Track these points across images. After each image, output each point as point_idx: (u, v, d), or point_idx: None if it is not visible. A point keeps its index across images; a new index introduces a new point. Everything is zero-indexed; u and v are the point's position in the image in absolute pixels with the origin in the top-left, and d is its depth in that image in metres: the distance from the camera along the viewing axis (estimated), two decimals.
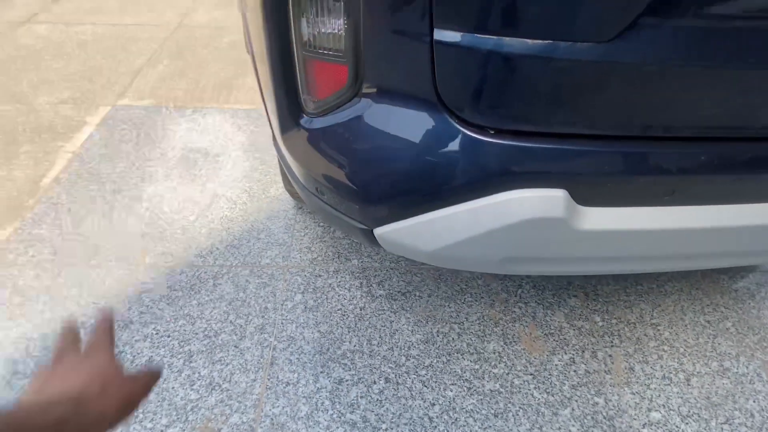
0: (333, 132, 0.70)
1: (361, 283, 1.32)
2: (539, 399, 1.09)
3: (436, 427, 1.03)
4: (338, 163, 0.73)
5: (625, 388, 1.12)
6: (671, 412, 1.08)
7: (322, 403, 1.06)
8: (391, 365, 1.14)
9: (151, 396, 1.06)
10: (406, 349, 1.18)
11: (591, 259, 0.72)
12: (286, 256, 1.38)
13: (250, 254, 1.38)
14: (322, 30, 0.61)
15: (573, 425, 1.05)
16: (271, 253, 1.39)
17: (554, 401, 1.09)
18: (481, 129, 0.62)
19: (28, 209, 1.50)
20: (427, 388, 1.10)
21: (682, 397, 1.11)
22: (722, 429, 1.06)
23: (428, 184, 0.66)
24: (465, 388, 1.10)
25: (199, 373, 1.10)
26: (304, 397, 1.07)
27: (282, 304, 1.26)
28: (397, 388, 1.10)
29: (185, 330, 1.19)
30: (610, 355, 1.18)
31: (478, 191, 0.63)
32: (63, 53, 2.37)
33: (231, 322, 1.21)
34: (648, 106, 0.58)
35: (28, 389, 0.37)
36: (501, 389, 1.10)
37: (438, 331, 1.22)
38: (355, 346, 1.18)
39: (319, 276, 1.33)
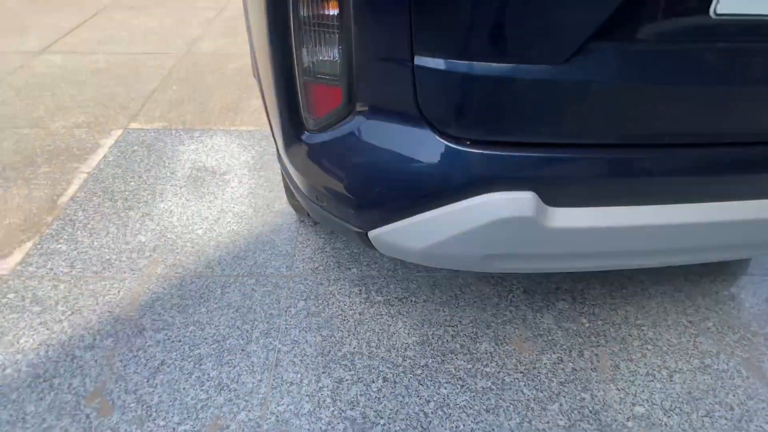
0: (331, 146, 0.80)
1: (360, 290, 1.40)
2: (528, 395, 1.15)
3: (430, 422, 1.09)
4: (335, 173, 0.82)
5: (611, 385, 1.18)
6: (654, 406, 1.14)
7: (324, 401, 1.13)
8: (388, 365, 1.21)
9: (164, 396, 1.13)
10: (402, 350, 1.24)
11: (562, 255, 0.80)
12: (289, 266, 1.46)
13: (255, 264, 1.46)
14: (320, 58, 0.71)
15: (560, 419, 1.11)
16: (275, 263, 1.47)
17: (543, 397, 1.15)
18: (458, 140, 0.71)
19: (46, 225, 1.59)
20: (423, 386, 1.17)
21: (664, 392, 1.17)
22: (703, 422, 1.12)
23: (414, 190, 0.74)
24: (458, 386, 1.17)
25: (208, 374, 1.18)
26: (307, 395, 1.14)
27: (286, 311, 1.33)
28: (395, 387, 1.16)
29: (195, 335, 1.26)
30: (596, 354, 1.25)
31: (458, 195, 0.72)
32: (77, 81, 2.51)
33: (238, 327, 1.29)
34: (600, 118, 0.67)
35: None
36: (492, 386, 1.17)
37: (433, 334, 1.29)
38: (354, 348, 1.25)
39: (321, 284, 1.41)
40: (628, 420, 1.11)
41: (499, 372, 1.20)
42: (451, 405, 1.13)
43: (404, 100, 0.69)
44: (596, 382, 1.19)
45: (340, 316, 1.32)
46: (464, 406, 1.13)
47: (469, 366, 1.21)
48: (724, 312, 1.37)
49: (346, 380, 1.17)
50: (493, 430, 1.09)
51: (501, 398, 1.14)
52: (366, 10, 0.63)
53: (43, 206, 1.67)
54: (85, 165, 1.88)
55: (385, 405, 1.12)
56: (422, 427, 1.09)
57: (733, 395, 1.17)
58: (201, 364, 1.20)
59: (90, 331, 1.27)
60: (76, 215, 1.64)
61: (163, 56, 2.78)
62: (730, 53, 0.63)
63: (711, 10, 0.60)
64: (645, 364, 1.23)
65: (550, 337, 1.29)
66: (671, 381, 1.20)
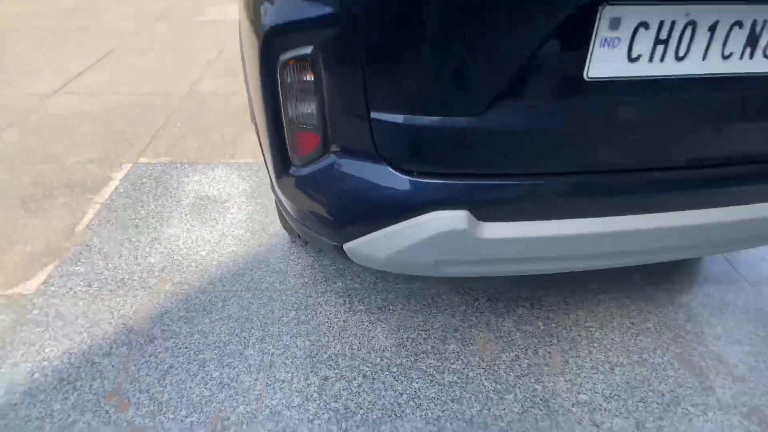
0: (312, 178, 1.01)
1: (344, 301, 1.59)
2: (489, 387, 1.33)
3: (403, 411, 1.27)
4: (316, 199, 1.03)
5: (560, 377, 1.37)
6: (596, 394, 1.32)
7: (311, 395, 1.30)
8: (368, 365, 1.39)
9: (173, 394, 1.30)
10: (380, 351, 1.43)
11: (495, 260, 1.00)
12: (282, 281, 1.66)
13: (252, 281, 1.66)
14: (301, 112, 0.92)
15: (515, 407, 1.29)
16: (269, 279, 1.66)
17: (501, 389, 1.33)
18: (408, 172, 0.92)
19: (65, 251, 1.79)
20: (397, 381, 1.34)
21: (606, 383, 1.35)
22: (637, 406, 1.30)
23: (376, 211, 0.95)
24: (428, 381, 1.35)
25: (211, 375, 1.35)
26: (296, 391, 1.31)
27: (279, 320, 1.52)
28: (373, 382, 1.34)
29: (199, 342, 1.44)
30: (549, 352, 1.44)
31: (409, 214, 0.93)
32: (88, 120, 2.75)
33: (237, 335, 1.47)
34: (511, 154, 0.89)
35: None
36: (458, 380, 1.35)
37: (408, 337, 1.47)
38: (338, 350, 1.43)
39: (310, 296, 1.60)
40: (573, 406, 1.29)
41: (464, 368, 1.38)
42: (421, 397, 1.31)
43: (365, 143, 0.90)
44: (547, 375, 1.37)
45: (326, 324, 1.51)
46: (433, 397, 1.31)
47: (438, 364, 1.39)
48: (663, 314, 1.57)
49: (331, 378, 1.35)
50: (457, 416, 1.26)
51: (465, 390, 1.32)
52: (334, 78, 0.85)
53: (61, 233, 1.87)
54: (98, 196, 2.09)
55: (364, 398, 1.30)
56: (396, 415, 1.26)
57: (665, 384, 1.36)
58: (205, 367, 1.37)
59: (107, 341, 1.45)
60: (91, 241, 1.83)
61: (168, 96, 3.03)
62: (601, 103, 0.86)
63: (584, 74, 0.82)
64: (591, 359, 1.42)
65: (509, 338, 1.47)
66: (612, 373, 1.38)
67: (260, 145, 1.21)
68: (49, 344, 1.43)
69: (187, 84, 3.21)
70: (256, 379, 1.34)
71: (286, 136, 0.98)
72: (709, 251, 1.20)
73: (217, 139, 2.53)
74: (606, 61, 0.81)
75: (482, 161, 0.90)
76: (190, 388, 1.32)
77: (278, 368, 1.38)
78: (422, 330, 1.50)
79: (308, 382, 1.34)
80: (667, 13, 0.78)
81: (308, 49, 0.83)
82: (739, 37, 0.83)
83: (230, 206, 2.02)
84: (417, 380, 1.35)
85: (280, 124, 0.98)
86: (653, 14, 0.78)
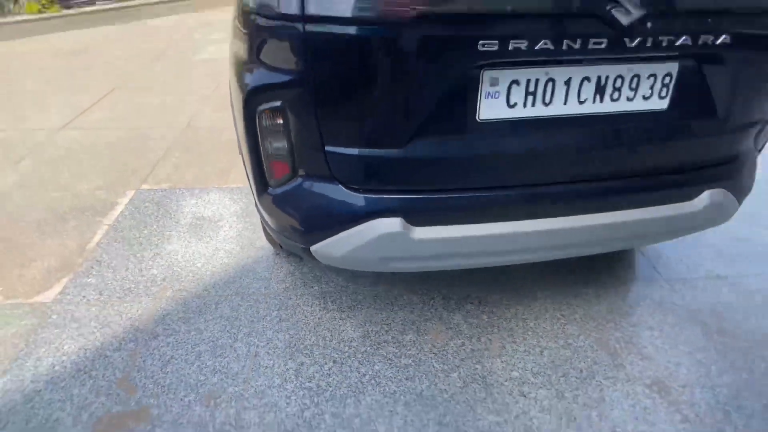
0: (284, 196, 1.31)
1: (320, 302, 1.86)
2: (437, 368, 1.60)
3: (365, 388, 1.53)
4: (288, 212, 1.32)
5: (497, 359, 1.64)
6: (526, 371, 1.60)
7: (290, 377, 1.56)
8: (337, 352, 1.66)
9: (173, 379, 1.56)
10: (348, 342, 1.70)
11: (428, 257, 1.28)
12: (267, 287, 1.93)
13: (241, 286, 1.93)
14: (275, 146, 1.22)
15: (458, 382, 1.56)
16: (256, 285, 1.94)
17: (447, 369, 1.60)
18: (356, 189, 1.22)
19: (78, 266, 2.05)
20: (362, 365, 1.61)
21: (535, 362, 1.63)
22: (560, 380, 1.57)
23: (333, 220, 1.24)
24: (388, 364, 1.61)
25: (205, 363, 1.61)
26: (277, 374, 1.58)
27: (263, 318, 1.79)
28: (341, 366, 1.61)
29: (196, 338, 1.71)
30: (490, 339, 1.71)
31: (357, 221, 1.22)
32: (95, 152, 3.05)
33: (227, 331, 1.73)
34: (430, 175, 1.19)
35: None
36: (412, 363, 1.62)
37: (372, 330, 1.74)
38: (313, 342, 1.70)
39: (290, 298, 1.88)
40: (506, 381, 1.56)
41: (418, 354, 1.65)
42: (381, 377, 1.57)
43: (322, 169, 1.20)
44: (487, 358, 1.64)
45: (303, 321, 1.78)
46: (391, 377, 1.57)
47: (397, 351, 1.66)
48: (589, 307, 1.86)
49: (306, 363, 1.61)
50: (410, 391, 1.53)
51: (417, 370, 1.59)
52: (297, 123, 1.16)
53: (74, 251, 2.14)
54: (106, 219, 2.37)
55: (333, 378, 1.56)
56: (359, 391, 1.52)
57: (584, 362, 1.63)
58: (200, 357, 1.63)
59: (117, 338, 1.71)
60: (101, 257, 2.10)
61: (167, 129, 3.35)
62: (491, 137, 1.17)
63: (477, 117, 1.13)
64: (524, 344, 1.70)
65: (458, 329, 1.75)
66: (541, 355, 1.66)
67: (246, 171, 1.51)
68: (67, 342, 1.69)
69: (185, 118, 3.53)
70: (244, 366, 1.60)
71: (264, 165, 1.28)
72: (591, 249, 1.49)
73: (212, 168, 2.84)
74: (491, 107, 1.13)
75: (409, 180, 1.20)
76: (187, 374, 1.58)
77: (262, 357, 1.64)
78: (385, 324, 1.77)
79: (287, 367, 1.60)
80: (532, 74, 1.10)
81: (278, 103, 1.14)
82: (589, 87, 1.15)
83: (223, 225, 2.31)
84: (378, 364, 1.61)
85: (259, 155, 1.28)
86: (521, 75, 1.10)
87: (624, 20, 0.98)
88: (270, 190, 1.34)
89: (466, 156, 1.19)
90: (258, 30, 1.10)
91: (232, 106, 1.42)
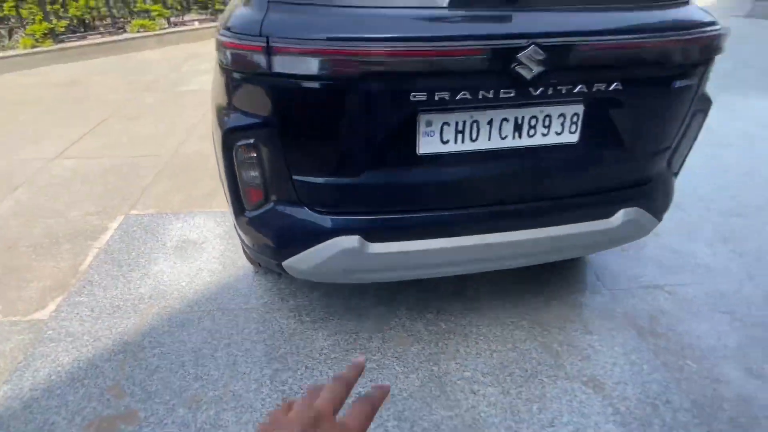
0: (259, 218, 1.51)
1: (295, 315, 2.05)
2: (398, 370, 1.79)
3: None
4: (262, 232, 1.53)
5: (452, 361, 1.83)
6: (477, 371, 1.79)
7: (265, 382, 1.74)
8: (309, 359, 1.84)
9: (159, 386, 1.72)
10: (320, 350, 1.88)
11: (384, 269, 1.49)
12: (246, 302, 2.11)
13: (222, 302, 2.11)
14: (250, 175, 1.44)
15: (416, 382, 1.74)
16: (236, 300, 2.12)
17: (407, 371, 1.79)
18: (319, 212, 1.43)
19: (71, 285, 2.22)
20: (331, 369, 1.79)
21: (485, 364, 1.83)
22: (506, 379, 1.77)
23: (300, 238, 1.45)
24: None
25: (188, 371, 1.78)
26: (253, 380, 1.75)
27: (242, 330, 1.96)
28: (312, 371, 1.79)
29: (180, 349, 1.88)
30: (446, 344, 1.91)
31: (321, 238, 1.43)
32: (87, 179, 3.23)
33: (209, 342, 1.91)
34: (382, 199, 1.42)
35: None
36: (376, 366, 1.80)
37: (342, 339, 1.93)
38: (287, 350, 1.88)
39: (268, 312, 2.06)
40: (458, 380, 1.75)
41: (382, 358, 1.84)
42: None
43: (291, 194, 1.42)
44: (443, 361, 1.84)
45: (279, 332, 1.96)
46: None
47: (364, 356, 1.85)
48: (536, 314, 2.07)
49: (280, 369, 1.79)
50: None
51: (380, 373, 1.78)
52: (267, 156, 1.38)
53: (68, 272, 2.31)
54: (97, 242, 2.54)
55: (305, 381, 1.74)
56: None
57: (529, 363, 1.83)
58: (183, 366, 1.80)
59: (107, 351, 1.87)
60: (93, 277, 2.27)
61: (156, 157, 3.55)
62: (430, 168, 1.40)
63: (417, 151, 1.37)
64: (477, 348, 1.90)
65: (418, 336, 1.95)
66: (491, 357, 1.86)
67: (226, 196, 1.72)
68: (62, 355, 1.85)
69: (173, 146, 3.74)
70: (223, 373, 1.77)
71: (241, 191, 1.50)
72: (520, 261, 1.72)
73: (198, 193, 3.04)
74: (428, 144, 1.36)
75: (365, 204, 1.43)
76: (172, 381, 1.74)
77: (240, 365, 1.81)
78: (353, 333, 1.96)
79: (263, 373, 1.78)
80: (459, 117, 1.34)
81: (251, 140, 1.36)
82: (509, 126, 1.39)
83: (206, 246, 2.50)
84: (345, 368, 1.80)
85: (236, 183, 1.49)
86: (450, 118, 1.34)
87: (527, 75, 1.23)
88: (246, 213, 1.54)
89: (410, 183, 1.42)
90: (234, 82, 1.33)
91: (213, 140, 1.63)
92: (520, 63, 1.21)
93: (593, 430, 1.60)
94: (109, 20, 6.83)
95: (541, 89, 1.28)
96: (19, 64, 5.80)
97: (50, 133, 4.01)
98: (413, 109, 1.28)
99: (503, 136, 1.40)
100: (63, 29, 6.29)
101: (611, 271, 2.36)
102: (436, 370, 1.80)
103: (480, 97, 1.25)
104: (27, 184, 3.17)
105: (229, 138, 1.38)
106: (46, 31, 6.10)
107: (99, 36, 6.63)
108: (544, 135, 1.42)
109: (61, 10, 6.31)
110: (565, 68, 1.27)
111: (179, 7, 7.66)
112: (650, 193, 1.72)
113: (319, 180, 1.40)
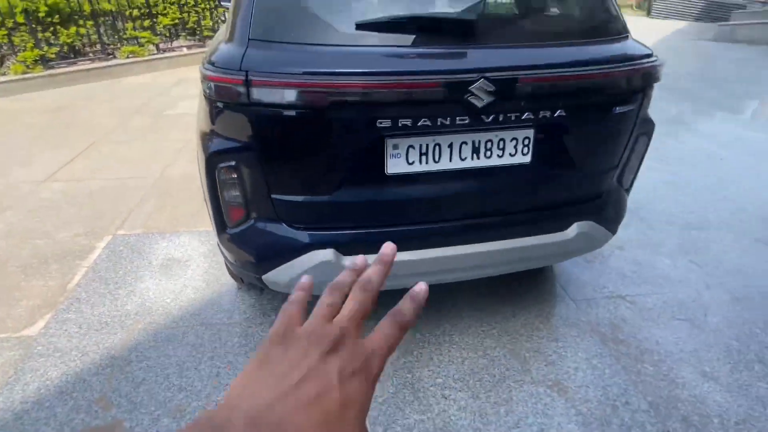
0: (240, 235, 1.63)
1: None
2: None
3: None
4: (243, 248, 1.65)
5: (425, 369, 1.94)
6: (449, 378, 1.90)
7: None
8: None
9: (145, 397, 1.79)
10: None
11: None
12: (229, 317, 2.21)
13: (206, 318, 2.20)
14: (231, 194, 1.56)
15: (391, 389, 1.84)
16: (220, 316, 2.21)
17: (382, 378, 1.89)
18: (297, 228, 1.56)
19: (59, 303, 2.29)
20: None
21: (457, 370, 1.94)
22: (476, 384, 1.88)
23: (279, 252, 1.57)
24: None
25: (173, 383, 1.86)
26: None
27: (225, 344, 2.05)
28: None
29: (165, 362, 1.95)
30: (420, 353, 2.02)
31: (299, 253, 1.55)
32: (76, 201, 3.31)
33: (193, 356, 1.99)
34: (356, 215, 1.55)
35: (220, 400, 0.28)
36: None
37: None
38: None
39: (250, 327, 2.15)
40: (431, 386, 1.86)
41: None
42: None
43: (270, 212, 1.55)
44: (416, 368, 1.94)
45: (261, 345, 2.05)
46: None
47: None
48: (505, 323, 2.19)
49: None
50: None
51: None
52: (248, 177, 1.50)
53: (56, 291, 2.38)
54: (85, 261, 2.62)
55: None
56: None
57: (498, 369, 1.95)
58: (168, 378, 1.88)
59: (94, 365, 1.94)
60: (80, 295, 2.35)
61: (142, 179, 3.65)
62: (398, 186, 1.54)
63: (385, 171, 1.51)
64: (449, 356, 2.01)
65: None
66: (463, 364, 1.97)
67: (209, 214, 1.84)
68: (51, 369, 1.91)
69: (160, 168, 3.84)
70: (206, 384, 1.86)
71: (223, 210, 1.62)
72: (484, 272, 1.85)
73: (183, 213, 3.14)
74: (396, 165, 1.50)
75: (339, 220, 1.56)
76: (157, 392, 1.82)
77: (223, 376, 1.90)
78: None
79: None
80: (422, 140, 1.49)
81: (232, 162, 1.49)
82: (468, 148, 1.54)
83: (191, 264, 2.59)
84: None
85: (219, 202, 1.61)
86: (414, 141, 1.49)
87: (478, 104, 1.39)
88: (228, 230, 1.66)
89: (380, 201, 1.55)
90: (216, 110, 1.47)
91: (198, 163, 1.76)
92: (472, 94, 1.37)
93: (556, 431, 1.72)
94: (98, 46, 6.99)
95: (492, 116, 1.44)
96: (9, 90, 5.90)
97: (40, 157, 4.09)
98: (380, 134, 1.43)
99: (463, 157, 1.55)
100: (53, 56, 6.42)
101: (577, 283, 2.51)
102: (410, 377, 1.90)
103: (439, 123, 1.40)
104: (16, 206, 3.24)
105: (213, 161, 1.51)
106: (37, 58, 6.23)
107: (89, 62, 6.77)
108: (499, 156, 1.57)
109: (52, 37, 6.46)
110: (513, 98, 1.43)
111: (168, 34, 7.86)
112: (602, 208, 1.88)
113: (296, 198, 1.52)
